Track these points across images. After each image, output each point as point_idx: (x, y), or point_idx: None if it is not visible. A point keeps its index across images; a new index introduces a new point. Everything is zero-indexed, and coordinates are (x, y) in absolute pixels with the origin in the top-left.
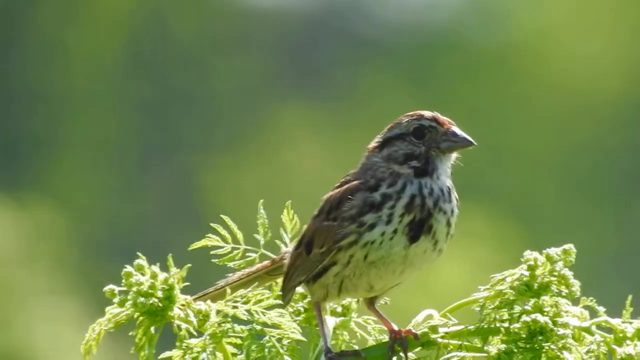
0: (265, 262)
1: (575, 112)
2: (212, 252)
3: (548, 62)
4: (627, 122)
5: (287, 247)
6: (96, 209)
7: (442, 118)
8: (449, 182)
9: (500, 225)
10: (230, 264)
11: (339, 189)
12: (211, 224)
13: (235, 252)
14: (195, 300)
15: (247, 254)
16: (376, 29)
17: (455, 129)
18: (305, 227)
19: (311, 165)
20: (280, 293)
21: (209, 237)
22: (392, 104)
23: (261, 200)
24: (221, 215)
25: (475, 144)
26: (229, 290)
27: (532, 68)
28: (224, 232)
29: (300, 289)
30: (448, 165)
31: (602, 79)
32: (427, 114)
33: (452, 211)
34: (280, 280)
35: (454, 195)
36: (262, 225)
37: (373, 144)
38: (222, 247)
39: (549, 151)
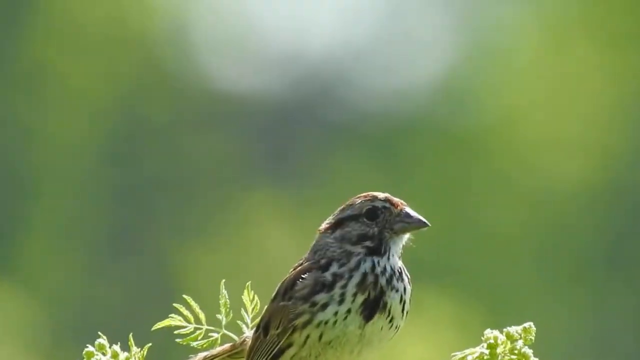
0: (227, 346)
1: (546, 191)
2: (175, 332)
3: (515, 145)
4: (594, 204)
5: (248, 331)
6: (66, 294)
7: (395, 199)
8: (400, 262)
9: (468, 308)
10: (194, 344)
11: (293, 271)
12: (174, 305)
13: (198, 332)
14: None
15: (210, 334)
16: (346, 115)
17: (409, 210)
18: (264, 311)
19: (280, 247)
20: None
21: (171, 317)
22: (359, 189)
23: (223, 281)
24: (183, 296)
25: (429, 224)
26: None
27: (500, 151)
28: (186, 312)
29: None
30: (400, 245)
31: (569, 161)
32: (380, 195)
33: (405, 289)
34: None
35: (405, 274)
36: (224, 306)
37: (324, 225)
38: (185, 327)
39: (521, 231)
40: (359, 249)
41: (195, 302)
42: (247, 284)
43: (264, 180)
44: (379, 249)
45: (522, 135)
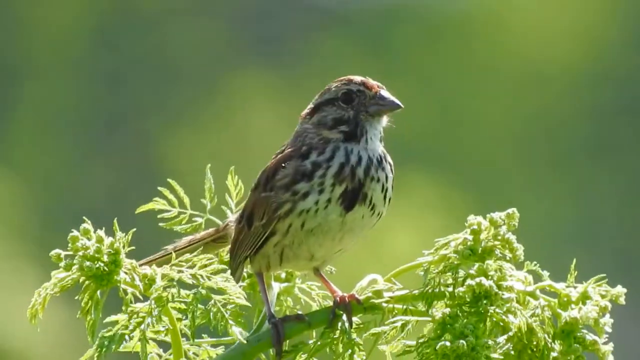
0: (210, 230)
1: (532, 78)
2: (159, 217)
3: (505, 28)
4: (583, 87)
5: (231, 215)
6: (53, 177)
7: (371, 82)
8: (381, 148)
9: (454, 193)
10: (177, 228)
11: (274, 159)
12: (158, 188)
13: (182, 216)
14: (141, 265)
15: (194, 219)
16: None
17: (384, 93)
18: (246, 200)
19: (267, 131)
20: (229, 267)
21: (155, 201)
22: (349, 71)
23: (208, 165)
24: (168, 180)
25: (402, 106)
26: (174, 255)
27: (490, 34)
28: (170, 196)
29: None
30: (379, 129)
31: (558, 44)
32: (356, 78)
33: (387, 177)
34: (225, 249)
35: (388, 160)
36: (209, 190)
37: (305, 111)
38: (169, 211)
39: (505, 118)
40: (335, 134)
41: (182, 186)
42: (231, 168)
43: (252, 62)
44: (354, 133)
45: (508, 20)
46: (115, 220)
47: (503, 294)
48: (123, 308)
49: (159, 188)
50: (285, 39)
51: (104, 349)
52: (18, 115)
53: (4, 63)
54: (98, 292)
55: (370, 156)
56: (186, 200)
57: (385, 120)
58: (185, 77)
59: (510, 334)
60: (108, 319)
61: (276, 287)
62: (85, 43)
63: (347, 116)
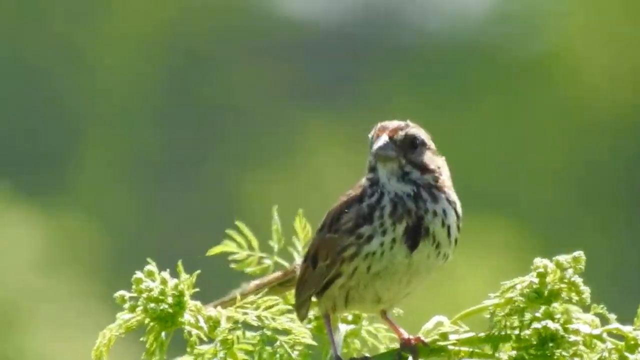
0: (278, 274)
1: (599, 121)
2: (230, 258)
3: (574, 73)
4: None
5: (298, 259)
6: (127, 219)
7: (379, 126)
8: (410, 186)
9: (524, 237)
10: (247, 270)
11: (339, 202)
12: (227, 231)
13: (251, 258)
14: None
15: (262, 261)
16: (408, 38)
17: (376, 139)
18: (311, 240)
19: (340, 175)
20: (294, 305)
21: (225, 244)
22: (424, 115)
23: (275, 206)
24: (236, 222)
25: (380, 153)
26: (239, 297)
27: (560, 79)
28: (239, 238)
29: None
30: (389, 170)
31: (620, 90)
32: (380, 124)
33: (445, 212)
34: (292, 291)
35: (444, 196)
36: (276, 232)
37: None
38: (238, 253)
39: (571, 162)
40: (364, 180)
41: (251, 229)
42: (299, 210)
43: (323, 106)
44: (376, 178)
45: (583, 62)
46: (179, 262)
47: (569, 337)
48: (188, 350)
49: (227, 231)
50: (358, 82)
51: None
52: (91, 157)
53: (77, 109)
54: (162, 333)
55: (403, 192)
56: (254, 242)
57: (392, 164)
58: (261, 121)
59: None
60: None
61: (343, 329)
62: (159, 87)
63: (370, 162)
